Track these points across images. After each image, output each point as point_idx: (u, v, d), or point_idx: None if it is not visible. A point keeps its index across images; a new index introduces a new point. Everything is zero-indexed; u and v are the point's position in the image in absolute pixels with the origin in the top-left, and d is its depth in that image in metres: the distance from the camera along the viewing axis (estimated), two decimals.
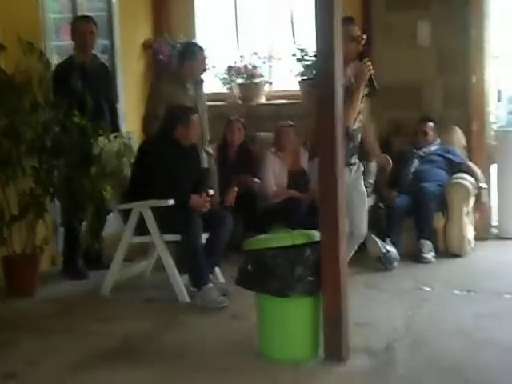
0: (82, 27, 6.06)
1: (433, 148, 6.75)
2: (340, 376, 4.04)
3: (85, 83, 5.88)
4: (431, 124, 6.78)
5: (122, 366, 4.25)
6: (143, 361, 4.28)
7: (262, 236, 4.53)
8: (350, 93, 4.67)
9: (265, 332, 4.30)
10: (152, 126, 6.03)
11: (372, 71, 4.67)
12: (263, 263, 4.23)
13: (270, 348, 4.28)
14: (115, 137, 5.89)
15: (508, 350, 4.29)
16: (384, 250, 6.09)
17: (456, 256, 6.42)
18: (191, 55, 6.28)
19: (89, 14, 6.61)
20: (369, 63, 4.69)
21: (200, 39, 7.72)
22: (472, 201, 6.63)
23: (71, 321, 5.13)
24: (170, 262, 5.44)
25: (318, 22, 4.04)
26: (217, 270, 5.62)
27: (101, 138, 5.69)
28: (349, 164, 4.86)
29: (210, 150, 6.52)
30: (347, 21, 4.70)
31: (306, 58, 7.31)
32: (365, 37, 4.81)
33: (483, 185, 6.71)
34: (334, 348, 4.17)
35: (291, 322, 4.24)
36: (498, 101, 7.88)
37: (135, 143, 6.01)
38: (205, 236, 5.45)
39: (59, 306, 5.45)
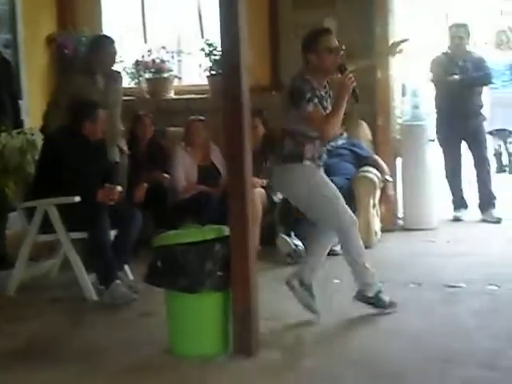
0: None
1: (340, 142, 6.80)
2: (249, 370, 4.04)
3: None
4: None
5: (27, 367, 4.14)
6: (48, 361, 4.20)
7: (172, 232, 4.51)
8: (334, 104, 4.69)
9: (174, 328, 4.29)
10: (52, 116, 5.94)
11: (354, 83, 4.61)
12: (173, 259, 4.21)
13: (180, 344, 4.27)
14: (18, 133, 5.75)
15: (414, 339, 4.38)
16: (293, 246, 6.17)
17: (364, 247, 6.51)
18: (101, 47, 6.18)
19: None
20: (351, 75, 4.65)
21: (107, 33, 7.54)
22: (378, 193, 6.75)
23: None
24: (76, 260, 5.35)
25: (223, 17, 4.05)
26: (126, 267, 5.57)
27: (3, 134, 5.56)
28: (319, 165, 4.85)
29: (122, 145, 6.43)
30: (325, 32, 4.87)
31: (214, 52, 7.29)
32: (344, 47, 4.79)
33: (389, 178, 6.82)
34: (243, 343, 4.19)
35: (200, 318, 4.23)
36: (403, 95, 8.03)
37: (39, 139, 5.83)
38: (113, 233, 5.38)
39: None
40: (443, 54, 7.73)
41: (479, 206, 7.55)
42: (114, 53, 6.32)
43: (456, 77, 7.32)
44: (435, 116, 7.61)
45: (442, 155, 7.60)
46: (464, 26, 7.69)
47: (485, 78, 7.65)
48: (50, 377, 3.98)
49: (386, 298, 4.78)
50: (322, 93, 4.70)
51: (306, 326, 4.77)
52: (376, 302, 4.73)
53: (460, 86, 7.31)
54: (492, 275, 5.58)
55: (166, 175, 6.61)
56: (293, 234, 6.31)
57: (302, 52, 4.77)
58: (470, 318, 4.78)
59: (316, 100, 4.58)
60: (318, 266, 4.99)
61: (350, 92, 4.57)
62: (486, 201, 7.50)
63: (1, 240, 5.78)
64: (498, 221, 7.36)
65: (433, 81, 7.62)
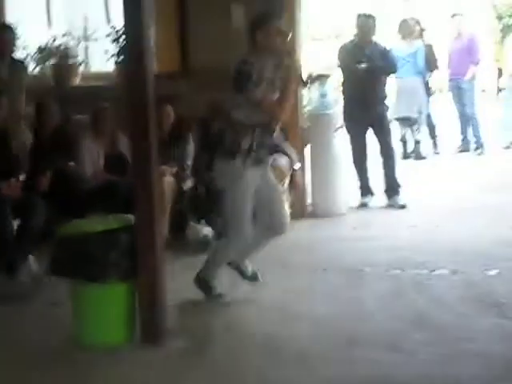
0: None
1: None
2: (156, 358, 4.03)
3: None
4: None
5: None
6: None
7: (76, 221, 4.46)
8: (283, 86, 4.61)
9: (80, 318, 4.23)
10: None
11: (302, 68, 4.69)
12: (76, 249, 4.16)
13: (86, 334, 4.23)
14: None
15: (320, 323, 4.44)
16: (204, 233, 6.17)
17: None
18: None
19: None
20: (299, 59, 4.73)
21: (10, 18, 7.33)
22: (287, 181, 6.80)
23: None
24: None
25: (126, 1, 3.99)
26: (30, 257, 5.42)
27: None
28: (258, 159, 4.72)
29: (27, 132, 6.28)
30: (276, 16, 4.76)
31: (121, 38, 7.15)
32: (290, 34, 4.80)
33: (297, 166, 6.90)
34: (150, 332, 4.18)
35: (105, 308, 4.20)
36: (310, 83, 8.08)
37: None
38: (16, 223, 5.27)
39: None
40: (351, 42, 7.86)
41: (385, 193, 7.71)
42: (11, 40, 6.16)
43: (363, 65, 7.44)
44: (343, 103, 7.72)
45: (350, 143, 7.71)
46: (371, 16, 7.83)
47: (390, 67, 7.80)
48: None
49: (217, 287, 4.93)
50: (270, 75, 4.60)
51: (214, 313, 4.79)
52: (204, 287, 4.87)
53: (366, 74, 7.44)
54: (396, 259, 5.71)
55: (70, 163, 6.48)
56: (203, 221, 6.31)
57: (249, 34, 4.69)
58: (374, 302, 4.89)
59: (264, 83, 4.51)
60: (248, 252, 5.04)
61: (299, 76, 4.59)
62: (391, 187, 7.66)
63: None
64: (403, 206, 7.52)
65: (341, 68, 7.72)
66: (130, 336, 4.21)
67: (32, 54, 7.54)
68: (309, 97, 7.82)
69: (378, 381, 3.70)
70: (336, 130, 7.45)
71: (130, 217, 4.24)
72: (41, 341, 4.30)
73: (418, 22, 10.42)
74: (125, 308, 4.21)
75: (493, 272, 5.28)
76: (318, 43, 14.78)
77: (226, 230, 4.99)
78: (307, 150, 7.50)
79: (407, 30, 10.09)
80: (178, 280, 4.92)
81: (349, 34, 8.39)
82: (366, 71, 7.45)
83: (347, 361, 3.91)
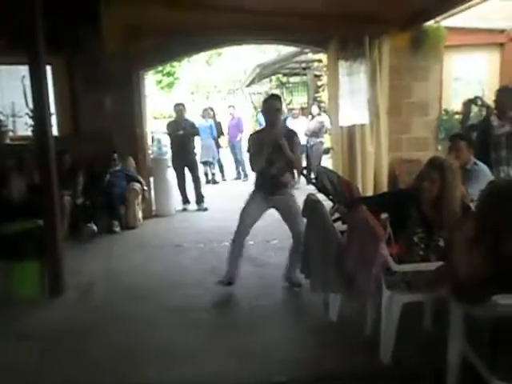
0: None
1: (117, 168, 6.64)
2: (58, 304, 3.87)
3: None
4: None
5: None
6: None
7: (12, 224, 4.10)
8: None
9: (14, 284, 3.95)
10: None
11: None
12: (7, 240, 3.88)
13: (15, 291, 3.92)
14: None
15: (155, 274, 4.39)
16: (92, 229, 5.97)
17: (133, 228, 6.41)
18: None
19: None
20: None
21: None
22: (140, 197, 6.67)
23: None
24: None
25: (34, 96, 3.77)
26: None
27: None
28: (264, 192, 3.97)
29: None
30: (275, 97, 4.12)
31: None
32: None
33: (145, 188, 6.79)
34: (54, 288, 3.99)
35: (28, 275, 3.92)
36: (152, 141, 8.01)
37: None
38: None
39: None
40: (173, 120, 7.86)
41: (196, 202, 7.74)
42: None
43: (180, 132, 7.48)
44: (171, 152, 7.69)
45: (175, 175, 7.67)
46: (182, 104, 7.93)
47: (195, 133, 7.89)
48: None
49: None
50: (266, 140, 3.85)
51: (97, 272, 4.61)
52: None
53: (182, 137, 7.48)
54: (201, 238, 5.76)
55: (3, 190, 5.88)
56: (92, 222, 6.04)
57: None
58: (189, 262, 4.91)
59: (254, 147, 3.90)
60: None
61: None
62: (199, 198, 7.72)
63: None
64: (206, 209, 7.61)
65: (169, 134, 7.70)
66: (43, 292, 3.97)
67: None
68: (152, 149, 7.72)
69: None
70: (168, 167, 7.44)
71: (38, 221, 4.00)
72: None
73: (212, 109, 10.65)
74: (39, 275, 3.95)
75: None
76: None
77: None
78: (152, 179, 7.35)
79: (206, 113, 10.29)
80: (74, 258, 4.67)
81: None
82: (182, 135, 7.49)
83: (169, 296, 3.93)
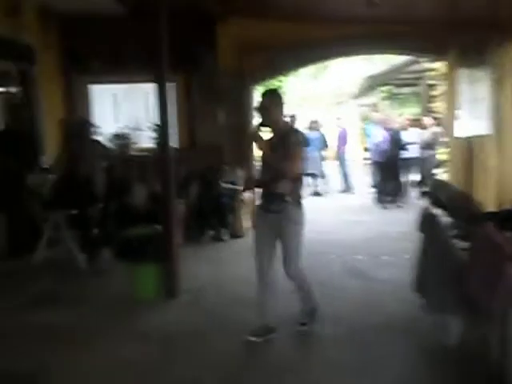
0: None
1: (227, 179, 6.87)
2: (172, 306, 4.05)
3: None
4: None
5: (45, 309, 3.91)
6: (58, 306, 4.01)
7: (132, 229, 4.39)
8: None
9: (135, 284, 4.21)
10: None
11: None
12: (132, 244, 4.16)
13: (136, 291, 4.19)
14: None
15: None
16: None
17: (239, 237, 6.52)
18: None
19: None
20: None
21: (95, 118, 7.21)
22: (247, 207, 6.82)
23: (12, 279, 4.67)
24: (74, 246, 5.05)
25: (159, 111, 4.04)
26: (105, 250, 5.19)
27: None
28: (267, 210, 3.15)
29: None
30: (267, 93, 3.24)
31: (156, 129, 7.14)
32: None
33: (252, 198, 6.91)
34: (169, 290, 4.18)
35: (147, 277, 4.16)
36: None
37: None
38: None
39: (7, 272, 4.85)
40: None
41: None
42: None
43: None
44: None
45: None
46: (294, 116, 7.95)
47: (305, 144, 7.81)
48: (65, 315, 3.77)
49: None
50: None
51: (208, 276, 4.75)
52: None
53: None
54: (305, 250, 5.63)
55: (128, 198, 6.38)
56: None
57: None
58: None
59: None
60: None
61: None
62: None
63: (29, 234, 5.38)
64: None
65: None
66: (159, 293, 4.18)
67: (107, 137, 7.42)
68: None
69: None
70: None
71: (157, 227, 4.24)
72: (108, 296, 4.29)
73: (318, 122, 10.60)
74: (156, 277, 4.18)
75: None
76: None
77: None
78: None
79: (313, 125, 10.29)
80: (186, 263, 4.84)
81: None
82: None
83: None
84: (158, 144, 4.33)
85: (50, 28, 6.73)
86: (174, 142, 6.30)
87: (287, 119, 7.79)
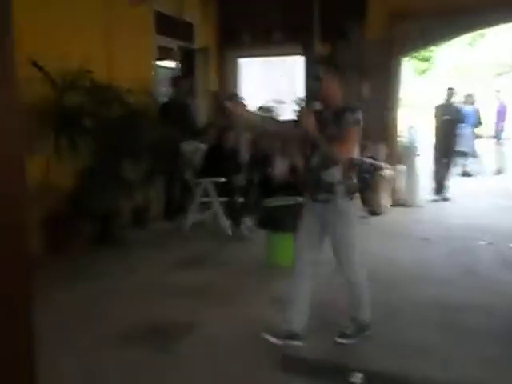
0: None
1: (368, 155, 6.68)
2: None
3: None
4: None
5: (193, 269, 4.27)
6: (204, 267, 4.29)
7: (272, 199, 4.53)
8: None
9: (269, 249, 4.35)
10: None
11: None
12: (272, 213, 4.31)
13: (270, 258, 4.31)
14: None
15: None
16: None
17: (378, 215, 6.37)
18: None
19: None
20: None
21: (243, 91, 7.53)
22: (388, 184, 6.60)
23: (166, 240, 5.15)
24: (220, 212, 5.39)
25: (306, 81, 4.03)
26: (247, 218, 5.44)
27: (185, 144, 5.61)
28: (316, 199, 2.77)
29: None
30: (323, 61, 2.95)
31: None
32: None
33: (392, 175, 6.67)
34: None
35: (282, 245, 4.26)
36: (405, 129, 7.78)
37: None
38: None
39: (161, 233, 5.46)
40: (441, 104, 7.42)
41: (435, 190, 7.34)
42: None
43: (447, 117, 7.19)
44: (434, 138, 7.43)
45: (434, 162, 7.40)
46: (453, 88, 7.40)
47: (461, 119, 7.51)
48: (204, 275, 4.08)
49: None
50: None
51: None
52: None
53: (447, 123, 7.18)
54: (451, 234, 5.35)
55: (269, 169, 6.56)
56: None
57: None
58: (438, 257, 4.62)
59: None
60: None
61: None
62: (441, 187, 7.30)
63: (182, 199, 5.92)
64: (446, 199, 7.19)
65: (435, 118, 7.40)
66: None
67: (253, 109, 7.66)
68: (403, 136, 7.48)
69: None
70: (417, 156, 7.11)
71: (299, 198, 4.29)
72: (246, 263, 4.45)
73: (472, 95, 9.66)
74: (292, 242, 4.27)
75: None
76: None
77: None
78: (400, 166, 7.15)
79: (469, 99, 9.42)
80: None
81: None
82: (448, 121, 7.14)
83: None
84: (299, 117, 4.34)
85: (208, 4, 7.12)
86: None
87: (447, 92, 7.27)
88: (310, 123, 2.56)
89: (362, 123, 2.65)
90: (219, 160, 5.44)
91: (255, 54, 7.67)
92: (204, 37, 7.17)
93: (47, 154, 4.08)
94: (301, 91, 6.96)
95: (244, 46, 7.31)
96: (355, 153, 2.75)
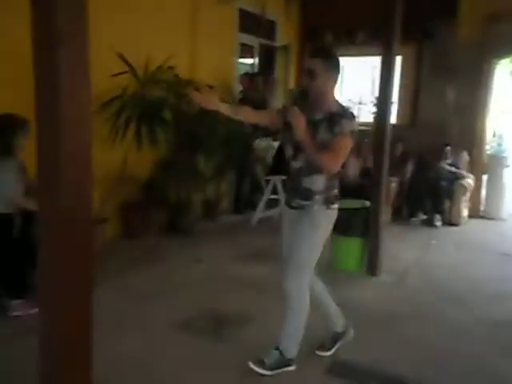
0: None
1: (448, 161, 6.35)
2: (374, 283, 4.01)
3: None
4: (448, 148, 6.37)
5: (257, 263, 4.33)
6: (267, 262, 4.31)
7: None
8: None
9: (336, 253, 4.29)
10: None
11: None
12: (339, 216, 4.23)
13: (338, 263, 4.28)
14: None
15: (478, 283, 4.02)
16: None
17: (455, 225, 6.07)
18: None
19: None
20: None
21: None
22: (468, 194, 6.23)
23: (233, 233, 5.25)
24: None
25: (381, 87, 3.93)
26: None
27: (257, 141, 5.71)
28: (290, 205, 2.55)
29: None
30: (313, 52, 2.44)
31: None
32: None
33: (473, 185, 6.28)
34: (371, 267, 4.15)
35: (350, 250, 4.22)
36: (493, 136, 7.27)
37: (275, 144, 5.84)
38: None
39: (229, 226, 5.56)
40: None
41: None
42: None
43: None
44: None
45: None
46: None
47: None
48: (265, 269, 4.09)
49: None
50: None
51: (412, 261, 4.56)
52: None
53: None
54: None
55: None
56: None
57: None
58: None
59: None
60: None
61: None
62: None
63: (252, 194, 5.98)
64: None
65: None
66: (360, 268, 4.20)
67: None
68: (490, 145, 7.00)
69: None
70: (506, 167, 6.61)
71: (366, 202, 4.19)
72: (319, 260, 4.33)
73: None
74: (359, 252, 4.20)
75: None
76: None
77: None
78: (485, 176, 6.71)
79: None
80: (391, 240, 4.72)
81: None
82: None
83: None
84: (376, 119, 4.24)
85: (290, 2, 7.14)
86: (393, 117, 6.12)
87: None
88: (301, 125, 2.23)
89: (356, 132, 2.33)
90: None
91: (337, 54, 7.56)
92: (286, 35, 7.20)
93: (127, 144, 4.33)
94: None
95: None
96: (350, 164, 2.48)
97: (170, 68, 4.58)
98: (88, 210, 1.44)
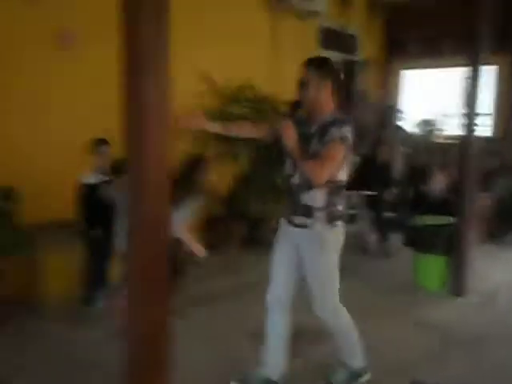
0: None
1: None
2: (459, 303, 3.82)
3: None
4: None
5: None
6: (343, 278, 4.16)
7: (422, 217, 4.31)
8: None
9: (417, 271, 4.17)
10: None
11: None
12: (420, 233, 4.11)
13: (420, 279, 4.14)
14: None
15: None
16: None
17: None
18: None
19: None
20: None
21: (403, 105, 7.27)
22: None
23: None
24: (367, 226, 5.25)
25: (467, 101, 3.78)
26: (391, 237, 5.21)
27: None
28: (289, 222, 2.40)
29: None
30: (309, 63, 2.34)
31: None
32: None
33: None
34: (457, 287, 3.96)
35: (431, 269, 4.07)
36: None
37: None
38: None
39: None
40: None
41: None
42: None
43: None
44: None
45: None
46: None
47: None
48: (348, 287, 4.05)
49: None
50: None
51: (503, 282, 4.28)
52: None
53: None
54: None
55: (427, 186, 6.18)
56: None
57: None
58: None
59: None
60: None
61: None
62: None
63: None
64: None
65: None
66: (443, 287, 4.02)
67: (414, 122, 7.36)
68: None
69: None
70: None
71: (451, 218, 4.00)
72: (394, 278, 4.30)
73: None
74: (442, 270, 4.02)
75: None
76: None
77: None
78: None
79: None
80: (482, 263, 4.46)
81: None
82: None
83: None
84: (463, 131, 4.06)
85: (373, 16, 7.07)
86: (487, 130, 5.79)
87: None
88: (289, 135, 2.16)
89: (350, 140, 2.20)
90: (371, 173, 5.35)
91: (421, 66, 7.35)
92: (368, 49, 7.13)
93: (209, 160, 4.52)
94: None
95: (410, 58, 7.07)
96: (334, 175, 2.23)
97: (250, 86, 4.75)
98: (166, 214, 1.56)
